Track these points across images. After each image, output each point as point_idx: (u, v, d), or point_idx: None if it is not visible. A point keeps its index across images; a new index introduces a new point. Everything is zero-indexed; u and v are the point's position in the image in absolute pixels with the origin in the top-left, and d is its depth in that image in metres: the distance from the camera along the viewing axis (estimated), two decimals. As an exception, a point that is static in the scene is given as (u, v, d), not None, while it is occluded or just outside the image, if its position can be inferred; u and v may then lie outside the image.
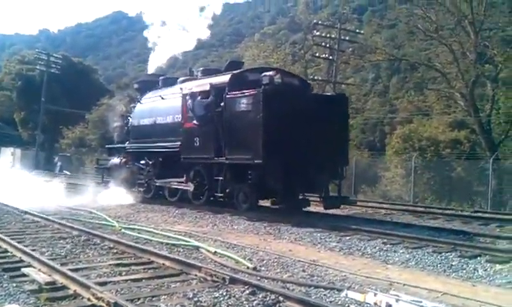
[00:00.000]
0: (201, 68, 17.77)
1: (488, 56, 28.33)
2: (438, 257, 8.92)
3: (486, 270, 8.06)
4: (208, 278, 6.99)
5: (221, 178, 14.34)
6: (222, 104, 14.04)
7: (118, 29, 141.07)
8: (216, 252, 8.84)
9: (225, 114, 13.90)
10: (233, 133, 13.70)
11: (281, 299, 6.06)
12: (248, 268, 7.74)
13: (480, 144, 27.78)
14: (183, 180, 15.88)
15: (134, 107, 19.67)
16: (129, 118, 19.74)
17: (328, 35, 31.93)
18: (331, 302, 6.15)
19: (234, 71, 14.98)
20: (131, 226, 11.90)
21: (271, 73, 13.69)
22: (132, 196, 18.23)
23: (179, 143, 15.73)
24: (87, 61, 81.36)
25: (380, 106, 47.83)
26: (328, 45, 31.78)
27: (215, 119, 14.33)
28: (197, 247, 9.33)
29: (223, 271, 7.20)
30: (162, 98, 17.51)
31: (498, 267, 8.20)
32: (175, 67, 40.58)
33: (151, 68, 20.85)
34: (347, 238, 10.62)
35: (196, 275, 7.21)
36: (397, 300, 5.87)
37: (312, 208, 14.70)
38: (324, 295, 6.40)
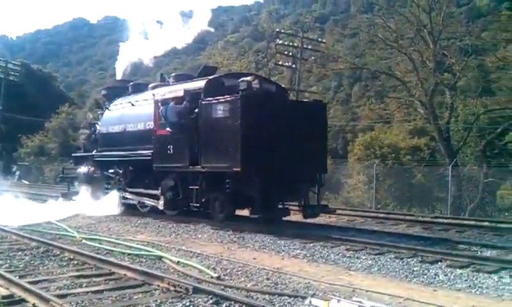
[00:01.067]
0: (173, 74, 17.34)
1: (446, 65, 29.10)
2: (400, 263, 9.04)
3: (446, 274, 8.20)
4: (171, 288, 6.89)
5: (196, 187, 13.83)
6: (197, 110, 13.65)
7: (78, 35, 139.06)
8: (179, 262, 8.73)
9: (201, 121, 13.47)
10: (209, 140, 13.28)
11: (245, 307, 6.03)
12: (211, 277, 7.67)
13: (440, 151, 28.41)
14: (156, 192, 15.27)
15: (102, 114, 19.00)
16: (97, 125, 19.10)
17: (291, 44, 32.24)
18: (295, 310, 6.15)
19: (209, 77, 14.57)
20: (92, 237, 11.65)
21: (248, 78, 13.21)
22: (100, 206, 17.31)
23: (151, 151, 15.14)
24: (47, 68, 79.97)
25: (342, 114, 48.51)
26: (290, 54, 32.06)
27: (189, 126, 13.87)
28: (160, 257, 9.20)
29: (186, 281, 7.11)
30: (133, 105, 16.92)
31: (458, 271, 8.36)
32: (137, 74, 40.23)
33: (119, 74, 20.37)
34: (311, 245, 10.65)
35: (158, 285, 7.10)
36: (360, 307, 5.92)
37: (290, 217, 14.31)
38: (288, 302, 6.40)
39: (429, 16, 27.36)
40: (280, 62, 32.96)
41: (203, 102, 13.44)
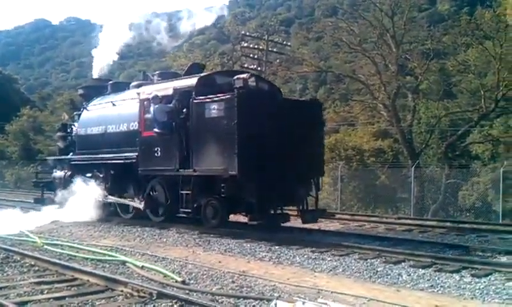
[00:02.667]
0: (157, 72, 16.62)
1: (408, 68, 29.72)
2: (364, 264, 9.13)
3: (409, 275, 8.31)
4: (135, 294, 6.79)
5: (187, 192, 12.96)
6: (186, 110, 12.88)
7: (40, 36, 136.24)
8: (143, 266, 8.62)
9: (193, 121, 12.64)
10: (201, 142, 12.47)
11: (210, 312, 5.98)
12: (176, 282, 7.59)
13: (403, 153, 28.93)
14: (139, 196, 14.58)
15: (79, 115, 17.86)
16: (73, 126, 18.09)
17: (256, 46, 32.28)
18: (260, 312, 6.14)
19: (201, 74, 13.78)
20: (54, 242, 11.40)
21: (244, 76, 12.54)
22: (78, 213, 15.97)
23: (136, 154, 14.28)
24: (7, 69, 77.97)
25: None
26: (256, 56, 32.10)
27: (179, 127, 13.08)
28: (123, 262, 9.06)
29: (150, 286, 7.03)
30: (114, 105, 15.97)
31: (421, 271, 8.49)
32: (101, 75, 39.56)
33: (95, 73, 19.47)
34: (277, 247, 10.65)
35: (122, 291, 6.99)
36: (324, 308, 5.93)
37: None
38: (253, 306, 6.39)
39: (391, 20, 27.87)
40: (246, 65, 32.94)
41: (194, 101, 12.64)
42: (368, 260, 9.35)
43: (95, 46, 19.54)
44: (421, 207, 24.27)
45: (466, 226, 15.48)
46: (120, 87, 17.25)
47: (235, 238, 11.62)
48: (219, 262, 9.17)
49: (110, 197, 15.62)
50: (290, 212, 13.17)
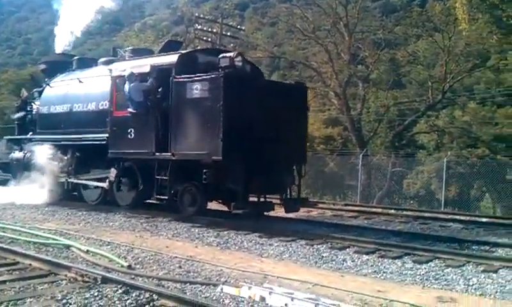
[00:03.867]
0: (130, 48, 15.70)
1: (360, 57, 30.17)
2: (310, 249, 9.27)
3: (353, 260, 8.49)
4: (79, 278, 6.65)
5: (164, 177, 12.18)
6: (165, 89, 12.10)
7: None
8: (88, 250, 8.46)
9: (172, 102, 11.83)
10: (182, 124, 11.71)
11: (155, 297, 5.93)
12: (122, 266, 7.50)
13: (352, 140, 29.46)
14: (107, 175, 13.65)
15: (40, 92, 16.85)
16: (33, 104, 17.06)
17: (210, 29, 32.03)
18: (206, 297, 6.14)
19: (182, 51, 12.99)
20: (-5, 224, 11.03)
21: (231, 54, 11.72)
22: (37, 195, 15.16)
23: (106, 135, 13.41)
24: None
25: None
26: (209, 40, 31.84)
27: (156, 107, 12.31)
28: (68, 246, 8.87)
29: (95, 270, 6.90)
30: (81, 82, 14.99)
31: (365, 257, 8.69)
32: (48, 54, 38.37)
33: (59, 47, 18.49)
34: (225, 232, 10.67)
35: (65, 275, 6.84)
36: (270, 293, 6.00)
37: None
38: (200, 291, 6.38)
39: (345, 9, 28.21)
40: (199, 48, 32.66)
41: (175, 80, 11.84)
42: (315, 246, 9.50)
43: (54, 22, 18.64)
44: (367, 194, 24.84)
45: (410, 213, 15.95)
46: (87, 63, 16.35)
47: (184, 223, 11.57)
48: (167, 247, 9.11)
49: (75, 179, 14.79)
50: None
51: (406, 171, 26.03)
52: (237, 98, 11.13)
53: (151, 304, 5.81)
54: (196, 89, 11.42)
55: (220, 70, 11.26)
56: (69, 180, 14.89)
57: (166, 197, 12.31)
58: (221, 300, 6.04)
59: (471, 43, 26.40)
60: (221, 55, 11.76)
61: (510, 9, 19.86)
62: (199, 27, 32.16)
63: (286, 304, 5.78)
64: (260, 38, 35.46)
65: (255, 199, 12.26)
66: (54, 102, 15.85)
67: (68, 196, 15.24)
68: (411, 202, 25.08)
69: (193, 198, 12.03)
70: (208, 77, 11.34)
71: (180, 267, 7.61)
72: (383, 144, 30.31)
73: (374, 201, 24.01)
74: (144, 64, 12.86)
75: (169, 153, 11.91)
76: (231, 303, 5.90)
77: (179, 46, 15.03)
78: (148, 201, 13.92)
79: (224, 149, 10.87)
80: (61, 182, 15.10)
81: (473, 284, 7.08)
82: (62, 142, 15.17)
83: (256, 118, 11.41)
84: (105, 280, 6.49)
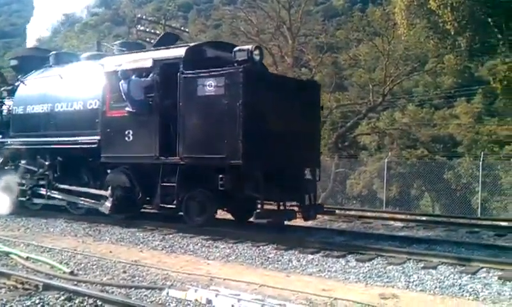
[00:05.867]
0: (118, 42, 14.57)
1: (303, 61, 30.60)
2: (256, 250, 9.30)
3: (299, 260, 8.58)
4: (19, 286, 6.45)
5: (170, 183, 10.92)
6: (170, 86, 10.81)
7: None
8: (28, 257, 8.20)
9: (181, 99, 10.58)
10: (192, 125, 10.49)
11: (99, 303, 5.82)
12: (64, 273, 7.31)
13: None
14: (102, 192, 12.19)
15: (13, 90, 15.16)
16: (4, 104, 15.41)
17: (153, 31, 31.65)
18: (151, 302, 6.07)
19: (190, 44, 11.85)
20: None
21: (248, 47, 10.48)
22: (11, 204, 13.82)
23: (97, 138, 12.02)
24: None
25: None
26: (152, 41, 31.44)
27: (160, 106, 11.06)
28: (7, 253, 8.55)
29: (36, 278, 6.71)
30: (62, 79, 13.45)
31: (310, 257, 8.80)
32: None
33: (31, 41, 17.11)
34: (170, 236, 10.57)
35: (5, 283, 6.61)
36: (216, 295, 6.00)
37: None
38: (145, 295, 6.30)
39: (288, 13, 28.54)
40: (142, 50, 32.26)
41: (183, 76, 10.60)
42: (261, 247, 9.54)
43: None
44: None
45: (353, 213, 16.29)
46: (66, 58, 14.86)
47: (128, 227, 11.37)
48: (110, 252, 8.95)
49: (58, 192, 13.27)
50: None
51: (349, 172, 26.61)
52: (256, 95, 10.18)
53: (95, 310, 5.71)
54: (210, 86, 10.24)
55: (236, 64, 10.23)
56: (51, 194, 13.36)
57: (174, 206, 11.06)
58: (167, 304, 6.00)
59: (409, 48, 27.28)
60: (237, 49, 10.64)
61: (446, 15, 20.67)
62: (141, 28, 31.71)
63: (233, 306, 5.79)
64: (203, 40, 35.32)
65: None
66: (31, 101, 14.17)
67: (47, 206, 13.74)
68: (354, 202, 25.62)
69: (201, 207, 10.94)
70: (225, 72, 10.17)
71: (124, 272, 7.49)
72: (326, 145, 30.83)
73: (318, 202, 24.33)
74: (145, 58, 11.55)
75: (177, 157, 10.70)
76: (177, 307, 5.86)
77: (176, 40, 13.94)
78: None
79: (244, 152, 9.83)
80: (40, 191, 13.65)
81: (413, 281, 7.29)
82: (42, 146, 13.55)
83: (275, 117, 10.52)
84: (47, 287, 6.32)
